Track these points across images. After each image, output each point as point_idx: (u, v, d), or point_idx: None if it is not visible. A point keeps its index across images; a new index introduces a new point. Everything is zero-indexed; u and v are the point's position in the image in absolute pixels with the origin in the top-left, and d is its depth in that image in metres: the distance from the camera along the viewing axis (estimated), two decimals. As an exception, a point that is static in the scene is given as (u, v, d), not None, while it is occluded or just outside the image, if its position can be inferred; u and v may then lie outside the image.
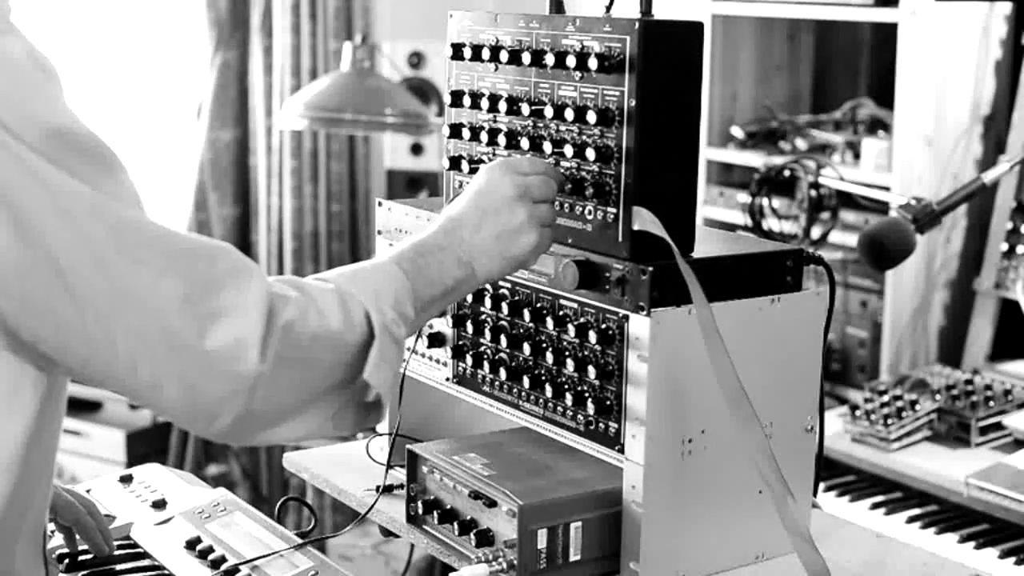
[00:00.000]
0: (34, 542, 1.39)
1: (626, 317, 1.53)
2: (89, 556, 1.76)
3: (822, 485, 2.35)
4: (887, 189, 2.99)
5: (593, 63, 1.54)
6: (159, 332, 1.20)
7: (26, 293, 1.18)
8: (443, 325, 1.81)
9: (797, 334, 1.64)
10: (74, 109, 1.23)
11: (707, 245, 1.64)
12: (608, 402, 1.56)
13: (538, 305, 1.66)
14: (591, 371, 1.57)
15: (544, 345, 1.65)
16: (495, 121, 1.72)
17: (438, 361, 1.84)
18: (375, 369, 1.32)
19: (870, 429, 2.65)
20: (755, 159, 3.28)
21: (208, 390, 1.22)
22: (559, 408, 1.64)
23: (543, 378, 1.65)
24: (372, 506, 1.80)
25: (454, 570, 1.62)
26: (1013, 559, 2.37)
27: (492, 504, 1.59)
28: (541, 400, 1.66)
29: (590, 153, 1.56)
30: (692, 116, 1.57)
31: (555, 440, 1.66)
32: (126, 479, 2.00)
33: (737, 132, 3.43)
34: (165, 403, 1.24)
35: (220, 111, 4.61)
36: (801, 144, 3.33)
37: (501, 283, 1.71)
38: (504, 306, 1.69)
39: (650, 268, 1.50)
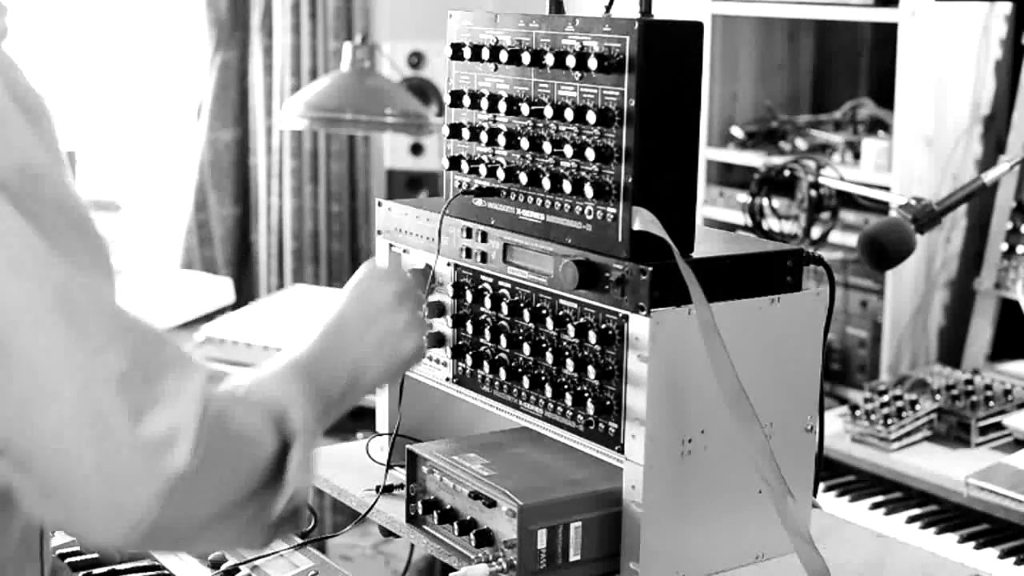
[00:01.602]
0: (23, 543, 1.37)
1: (626, 317, 1.53)
2: (89, 556, 1.76)
3: (822, 485, 2.35)
4: (887, 189, 2.99)
5: (593, 63, 1.54)
6: (91, 410, 1.10)
7: None
8: (443, 325, 1.81)
9: (797, 334, 1.64)
10: (55, 157, 1.17)
11: (707, 245, 1.64)
12: (608, 402, 1.56)
13: (538, 305, 1.66)
14: (591, 371, 1.57)
15: (544, 345, 1.65)
16: (495, 121, 1.72)
17: (438, 361, 1.84)
18: (293, 475, 1.26)
19: (870, 429, 2.65)
20: (755, 159, 3.28)
21: (130, 482, 1.11)
22: (559, 408, 1.64)
23: (543, 378, 1.65)
24: (372, 506, 1.81)
25: (454, 570, 1.62)
26: (1013, 559, 2.37)
27: (492, 504, 1.59)
28: (541, 400, 1.67)
29: (590, 153, 1.56)
30: (692, 116, 1.57)
31: (555, 440, 1.66)
32: (126, 479, 2.00)
33: (737, 132, 3.43)
34: (77, 497, 1.11)
35: (220, 111, 4.61)
36: (801, 144, 3.33)
37: (501, 283, 1.72)
38: (504, 306, 1.69)
39: (650, 268, 1.50)
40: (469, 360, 1.76)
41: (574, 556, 1.58)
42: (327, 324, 1.45)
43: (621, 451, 1.55)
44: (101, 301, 1.15)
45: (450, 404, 1.89)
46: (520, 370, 1.68)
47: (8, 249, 1.09)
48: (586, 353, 1.59)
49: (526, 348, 1.66)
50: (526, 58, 1.65)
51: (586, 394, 1.59)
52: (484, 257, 1.74)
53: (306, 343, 1.42)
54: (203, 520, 1.19)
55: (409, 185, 4.40)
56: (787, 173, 3.08)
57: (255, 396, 1.26)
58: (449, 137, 1.79)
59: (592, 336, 1.56)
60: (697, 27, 1.56)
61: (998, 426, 2.63)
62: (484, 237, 1.74)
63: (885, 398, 2.70)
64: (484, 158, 1.74)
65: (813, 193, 3.01)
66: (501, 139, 1.69)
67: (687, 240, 1.58)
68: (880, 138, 3.16)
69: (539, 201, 1.67)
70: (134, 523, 1.12)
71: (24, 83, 1.18)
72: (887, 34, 3.06)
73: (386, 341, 1.46)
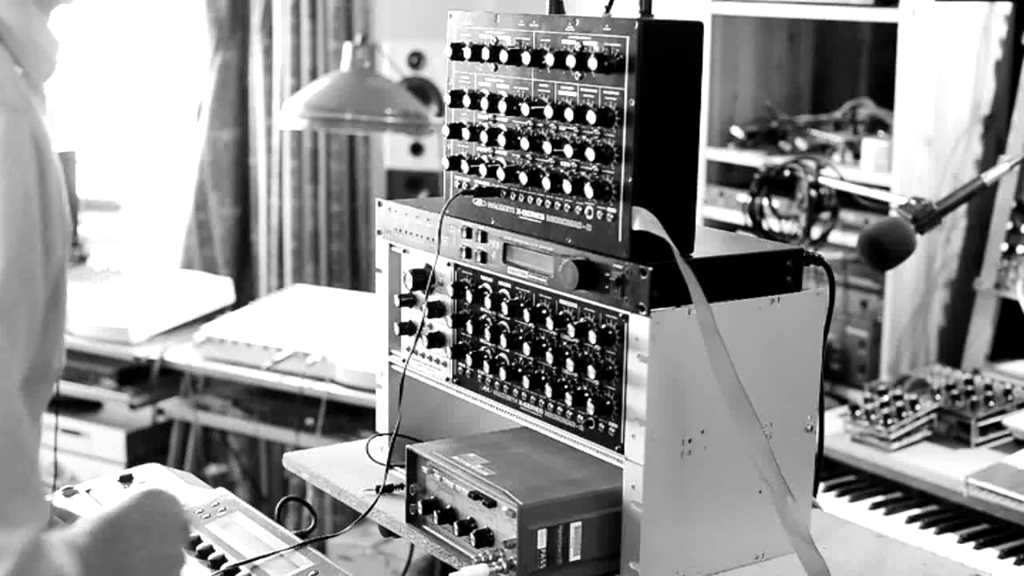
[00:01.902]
0: None
1: (626, 317, 1.53)
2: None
3: (822, 485, 2.35)
4: (887, 189, 2.99)
5: (593, 63, 1.54)
6: None
7: None
8: (443, 325, 1.81)
9: (797, 334, 1.64)
10: (50, 230, 1.19)
11: (707, 245, 1.64)
12: (608, 402, 1.56)
13: (538, 305, 1.66)
14: (591, 371, 1.56)
15: (544, 345, 1.65)
16: (495, 121, 1.72)
17: (438, 361, 1.84)
18: None
19: (870, 429, 2.65)
20: (755, 159, 3.28)
21: None
22: (559, 408, 1.64)
23: (543, 378, 1.65)
24: (372, 506, 1.80)
25: (454, 570, 1.62)
26: (1013, 559, 2.37)
27: (492, 504, 1.59)
28: (541, 400, 1.66)
29: (590, 153, 1.56)
30: (692, 116, 1.57)
31: (555, 440, 1.66)
32: (126, 479, 2.00)
33: (737, 132, 3.43)
34: None
35: (220, 111, 4.61)
36: (801, 144, 3.33)
37: (501, 283, 1.72)
38: (504, 306, 1.69)
39: (650, 268, 1.50)
40: (469, 360, 1.76)
41: (574, 556, 1.58)
42: (103, 520, 1.39)
43: (621, 451, 1.55)
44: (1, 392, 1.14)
45: (450, 404, 1.89)
46: (520, 370, 1.68)
47: None
48: (586, 353, 1.59)
49: (526, 348, 1.66)
50: (526, 58, 1.64)
51: (586, 394, 1.59)
52: (484, 257, 1.74)
53: (86, 527, 1.37)
54: None
55: (409, 185, 4.40)
56: (787, 173, 3.08)
57: (54, 561, 1.23)
58: (449, 137, 1.79)
59: (592, 336, 1.56)
60: (697, 27, 1.56)
61: (998, 426, 2.63)
62: (484, 237, 1.74)
63: (885, 398, 2.70)
64: (484, 158, 1.74)
65: (813, 193, 3.01)
66: (501, 139, 1.69)
67: (687, 240, 1.58)
68: (880, 138, 3.16)
69: (539, 201, 1.67)
70: None
71: (51, 161, 1.19)
72: (887, 34, 3.06)
73: (154, 566, 1.41)
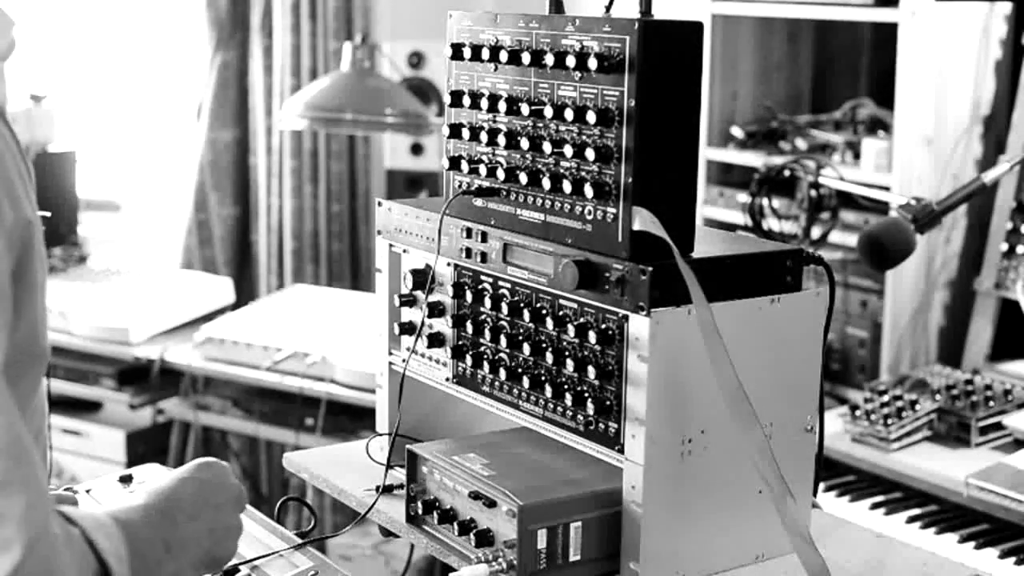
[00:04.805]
0: None
1: (626, 317, 1.53)
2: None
3: (822, 485, 2.36)
4: (887, 189, 2.99)
5: (593, 63, 1.54)
6: None
7: None
8: (443, 325, 1.81)
9: (797, 334, 1.64)
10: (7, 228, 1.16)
11: (707, 245, 1.64)
12: (608, 402, 1.56)
13: (538, 305, 1.66)
14: (591, 371, 1.57)
15: (544, 345, 1.65)
16: (495, 121, 1.72)
17: (438, 361, 1.84)
18: None
19: (870, 429, 2.65)
20: (755, 159, 3.28)
21: None
22: (559, 408, 1.64)
23: (543, 378, 1.65)
24: (372, 506, 1.81)
25: (454, 570, 1.62)
26: (1013, 559, 2.37)
27: (492, 504, 1.59)
28: (541, 400, 1.67)
29: (590, 153, 1.56)
30: (692, 116, 1.57)
31: (555, 440, 1.66)
32: (126, 479, 2.00)
33: (737, 132, 3.43)
34: None
35: (220, 111, 4.61)
36: (801, 144, 3.33)
37: (501, 283, 1.72)
38: (504, 306, 1.69)
39: (650, 268, 1.50)
40: (469, 360, 1.76)
41: (574, 556, 1.58)
42: (157, 493, 1.40)
43: (621, 451, 1.55)
44: None
45: (450, 404, 1.89)
46: (520, 370, 1.68)
47: None
48: (586, 353, 1.59)
49: (526, 348, 1.66)
50: (526, 58, 1.64)
51: (586, 394, 1.59)
52: (484, 257, 1.74)
53: (133, 502, 1.37)
54: None
55: (409, 185, 4.40)
56: (787, 173, 3.09)
57: (79, 545, 1.22)
58: (449, 137, 1.79)
59: (592, 336, 1.56)
60: (697, 27, 1.56)
61: (998, 426, 2.64)
62: (484, 237, 1.74)
63: (885, 398, 2.70)
64: (484, 158, 1.74)
65: (813, 193, 3.02)
66: (501, 139, 1.69)
67: (687, 240, 1.58)
68: (880, 138, 3.16)
69: (539, 201, 1.67)
70: None
71: (13, 159, 1.18)
72: (887, 34, 3.06)
73: (215, 533, 1.42)
